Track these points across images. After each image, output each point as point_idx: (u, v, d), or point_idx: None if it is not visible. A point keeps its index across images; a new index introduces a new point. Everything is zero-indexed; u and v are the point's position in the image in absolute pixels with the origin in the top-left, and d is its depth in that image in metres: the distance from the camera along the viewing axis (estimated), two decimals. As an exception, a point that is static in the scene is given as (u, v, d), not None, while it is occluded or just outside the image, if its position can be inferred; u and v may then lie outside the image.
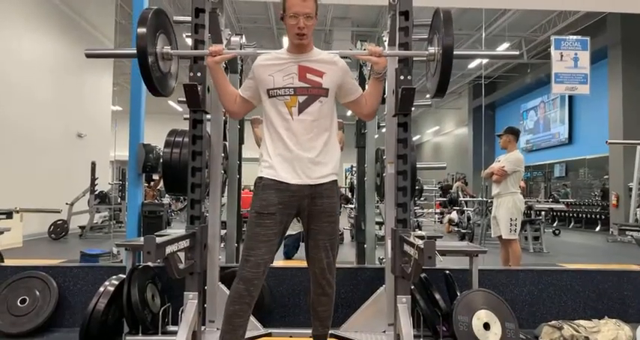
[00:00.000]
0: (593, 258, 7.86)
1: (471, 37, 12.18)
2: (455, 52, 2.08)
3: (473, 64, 14.21)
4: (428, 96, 2.83)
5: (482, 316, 2.54)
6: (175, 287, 2.70)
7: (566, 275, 3.16)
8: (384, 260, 2.88)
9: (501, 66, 15.37)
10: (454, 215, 10.23)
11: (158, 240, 1.87)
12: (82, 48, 2.72)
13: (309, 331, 2.39)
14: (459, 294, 2.71)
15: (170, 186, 3.16)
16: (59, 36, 9.61)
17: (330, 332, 2.37)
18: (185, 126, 2.56)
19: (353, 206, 6.66)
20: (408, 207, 2.28)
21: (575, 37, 4.42)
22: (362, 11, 11.80)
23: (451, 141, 22.86)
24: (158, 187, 10.27)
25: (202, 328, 2.46)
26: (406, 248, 2.07)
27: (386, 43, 2.76)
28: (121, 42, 9.96)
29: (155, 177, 6.56)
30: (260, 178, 2.16)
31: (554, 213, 12.15)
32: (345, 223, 8.52)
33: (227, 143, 3.32)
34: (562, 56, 4.33)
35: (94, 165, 8.76)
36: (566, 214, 12.61)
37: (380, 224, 5.14)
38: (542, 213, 8.43)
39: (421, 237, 2.13)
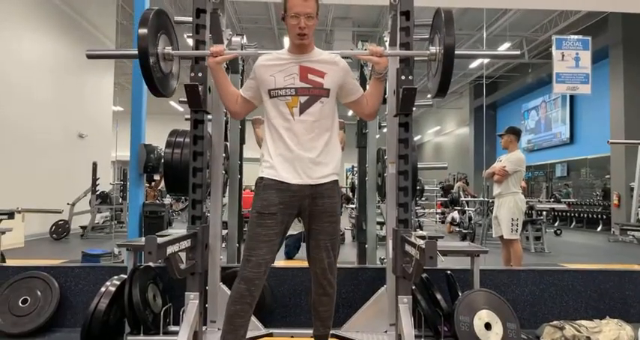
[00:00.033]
0: (595, 258, 7.85)
1: (472, 37, 12.17)
2: (456, 52, 2.08)
3: (474, 64, 14.21)
4: (429, 96, 2.83)
5: (483, 316, 2.53)
6: (177, 287, 2.70)
7: (568, 275, 3.16)
8: (385, 260, 2.89)
9: (502, 66, 15.36)
10: (455, 215, 10.23)
11: (159, 240, 1.87)
12: (82, 48, 2.72)
13: (311, 331, 2.39)
14: (460, 294, 2.71)
15: (171, 186, 3.16)
16: (60, 36, 9.62)
17: (331, 332, 2.37)
18: (186, 126, 2.56)
19: (354, 206, 6.66)
20: (409, 207, 2.28)
21: (576, 36, 4.41)
22: (363, 11, 11.80)
23: (452, 141, 22.85)
24: (159, 187, 10.30)
25: (204, 328, 2.46)
26: (407, 248, 2.07)
27: (387, 43, 2.76)
28: (122, 42, 10.00)
29: (156, 177, 6.56)
30: (261, 178, 2.16)
31: (556, 213, 12.13)
32: (346, 223, 8.51)
33: (228, 143, 3.33)
34: (563, 56, 4.32)
35: (95, 165, 8.77)
36: (568, 214, 12.61)
37: (381, 224, 5.14)
38: (544, 213, 8.41)
39: (422, 237, 2.14)
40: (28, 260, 4.66)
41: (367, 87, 2.35)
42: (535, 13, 11.06)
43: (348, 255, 5.72)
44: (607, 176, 12.00)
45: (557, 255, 7.48)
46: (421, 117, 25.47)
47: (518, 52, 3.02)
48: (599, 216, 11.82)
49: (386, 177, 2.65)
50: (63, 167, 9.28)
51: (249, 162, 3.66)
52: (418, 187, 6.30)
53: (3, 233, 3.90)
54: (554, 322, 2.83)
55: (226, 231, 3.20)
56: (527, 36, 12.55)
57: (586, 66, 4.33)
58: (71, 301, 3.00)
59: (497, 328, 2.52)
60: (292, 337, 2.79)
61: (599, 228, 11.62)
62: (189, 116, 2.43)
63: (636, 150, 8.48)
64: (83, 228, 8.71)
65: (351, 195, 10.07)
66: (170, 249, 1.98)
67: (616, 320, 2.84)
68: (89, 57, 2.58)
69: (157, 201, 9.31)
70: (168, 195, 10.14)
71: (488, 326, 2.52)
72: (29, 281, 2.95)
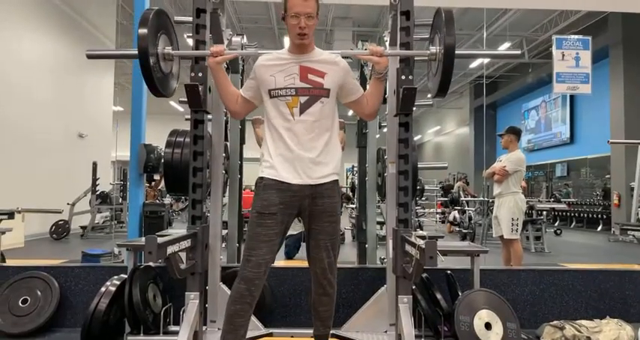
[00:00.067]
0: (595, 258, 7.85)
1: (472, 36, 12.17)
2: (456, 52, 2.08)
3: (474, 64, 14.21)
4: (429, 95, 2.83)
5: (483, 316, 2.53)
6: (177, 287, 2.70)
7: (568, 275, 3.16)
8: (385, 260, 2.89)
9: (502, 65, 15.37)
10: (456, 214, 10.23)
11: (159, 240, 1.87)
12: (82, 48, 2.72)
13: (311, 331, 2.39)
14: (460, 294, 2.71)
15: (171, 186, 3.16)
16: (60, 36, 9.62)
17: (331, 332, 2.37)
18: (186, 126, 2.56)
19: (354, 206, 6.66)
20: (409, 206, 2.28)
21: (576, 36, 4.40)
22: (363, 11, 11.80)
23: (452, 141, 22.85)
24: (159, 187, 10.30)
25: (204, 328, 2.46)
26: (407, 248, 2.07)
27: (387, 43, 2.75)
28: (122, 42, 9.99)
29: (156, 177, 6.56)
30: (261, 178, 2.16)
31: (556, 213, 12.13)
32: (346, 223, 8.51)
33: (228, 143, 3.33)
34: (563, 55, 4.32)
35: (95, 165, 8.77)
36: (568, 214, 12.61)
37: (381, 224, 5.14)
38: (544, 212, 8.41)
39: (422, 237, 2.13)
40: (28, 260, 4.66)
41: (367, 87, 2.34)
42: (535, 13, 11.06)
43: (348, 255, 5.73)
44: (607, 176, 12.00)
45: (558, 255, 7.48)
46: (421, 117, 25.48)
47: (519, 52, 3.02)
48: (600, 215, 11.82)
49: (386, 176, 2.64)
50: (63, 167, 9.27)
51: (249, 161, 3.66)
52: (418, 187, 6.30)
53: (3, 233, 3.90)
54: (555, 322, 2.83)
55: (226, 230, 3.21)
56: (527, 36, 12.55)
57: (586, 66, 4.33)
58: (71, 301, 3.00)
59: (498, 328, 2.52)
60: (292, 337, 2.79)
61: (599, 228, 11.62)
62: (189, 116, 2.43)
63: (636, 149, 8.48)
64: (83, 228, 8.71)
65: (351, 194, 10.07)
66: (170, 249, 1.98)
67: (616, 319, 2.84)
68: (89, 57, 2.58)
69: (157, 201, 9.31)
70: (168, 195, 10.14)
71: (488, 325, 2.52)
72: (29, 281, 2.95)
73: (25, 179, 8.01)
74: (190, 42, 2.44)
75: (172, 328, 2.69)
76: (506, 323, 2.53)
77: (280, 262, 5.11)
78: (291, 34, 2.11)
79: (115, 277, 2.81)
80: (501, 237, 4.82)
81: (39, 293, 2.91)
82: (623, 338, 2.68)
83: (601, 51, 11.07)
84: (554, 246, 8.29)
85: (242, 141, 3.50)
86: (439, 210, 11.93)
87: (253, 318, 2.54)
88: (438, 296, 2.74)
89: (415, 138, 2.62)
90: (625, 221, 8.77)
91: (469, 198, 10.86)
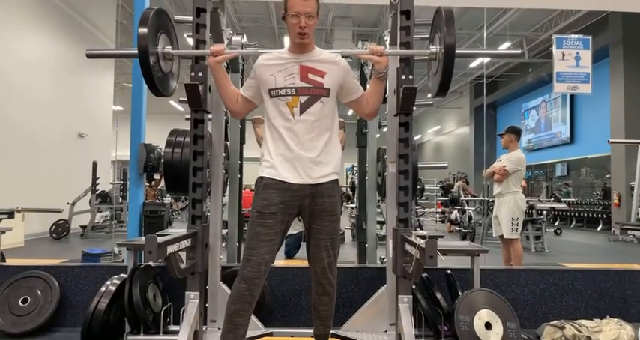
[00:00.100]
0: (595, 258, 7.85)
1: (472, 36, 12.17)
2: (456, 51, 2.08)
3: (474, 64, 14.20)
4: (429, 95, 2.83)
5: (483, 315, 2.53)
6: (177, 286, 2.70)
7: (568, 274, 3.16)
8: (385, 259, 2.88)
9: (502, 65, 15.36)
10: (457, 214, 10.23)
11: (159, 239, 1.87)
12: (82, 48, 2.72)
13: (311, 330, 2.39)
14: (460, 294, 2.71)
15: (171, 185, 3.16)
16: (60, 36, 9.61)
17: (331, 331, 2.37)
18: (186, 125, 2.56)
19: (354, 205, 6.66)
20: (409, 206, 2.28)
21: (576, 36, 4.40)
22: (363, 11, 11.79)
23: (452, 141, 22.84)
24: (159, 187, 10.29)
25: (204, 327, 2.46)
26: (408, 247, 2.07)
27: (387, 43, 2.75)
28: (122, 42, 9.98)
29: (156, 176, 6.57)
30: (261, 178, 2.16)
31: (556, 213, 12.13)
32: (346, 223, 8.51)
33: (228, 143, 3.33)
34: (564, 55, 4.31)
35: (95, 164, 8.77)
36: (568, 213, 12.60)
37: (381, 223, 5.14)
38: (544, 212, 8.40)
39: (422, 237, 2.13)
40: (28, 260, 4.67)
41: (367, 86, 2.34)
42: (535, 13, 11.06)
43: (348, 255, 5.73)
44: (607, 175, 12.00)
45: (558, 255, 7.48)
46: (421, 116, 25.47)
47: (519, 52, 3.02)
48: (600, 215, 11.82)
49: (386, 176, 2.64)
50: (63, 167, 9.27)
51: (249, 161, 3.66)
52: (418, 187, 6.30)
53: (3, 232, 3.89)
54: (555, 321, 2.83)
55: (226, 230, 3.21)
56: (527, 35, 12.54)
57: (586, 65, 4.32)
58: (71, 300, 3.00)
59: (498, 327, 2.52)
60: (292, 336, 2.79)
61: (599, 228, 11.62)
62: (189, 115, 2.42)
63: (636, 149, 8.47)
64: (83, 227, 8.70)
65: (351, 194, 10.07)
66: (170, 249, 1.98)
67: (616, 319, 2.84)
68: (89, 56, 2.57)
69: (157, 201, 9.31)
70: (168, 195, 10.13)
71: (488, 325, 2.52)
72: (29, 280, 2.95)
73: (25, 179, 8.01)
74: (190, 41, 2.44)
75: (172, 327, 2.70)
76: (507, 323, 2.53)
77: (280, 262, 5.11)
78: (291, 34, 2.10)
79: (115, 276, 2.81)
80: (501, 236, 4.82)
81: (39, 292, 2.91)
82: (623, 337, 2.68)
83: (601, 51, 11.07)
84: (554, 245, 8.29)
85: (242, 141, 3.50)
86: (439, 210, 11.92)
87: (253, 318, 2.54)
88: (438, 295, 2.74)
89: (415, 138, 2.62)
90: (625, 220, 8.77)
91: (469, 198, 10.86)
